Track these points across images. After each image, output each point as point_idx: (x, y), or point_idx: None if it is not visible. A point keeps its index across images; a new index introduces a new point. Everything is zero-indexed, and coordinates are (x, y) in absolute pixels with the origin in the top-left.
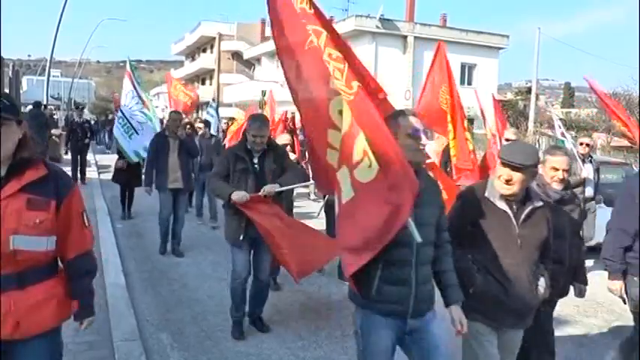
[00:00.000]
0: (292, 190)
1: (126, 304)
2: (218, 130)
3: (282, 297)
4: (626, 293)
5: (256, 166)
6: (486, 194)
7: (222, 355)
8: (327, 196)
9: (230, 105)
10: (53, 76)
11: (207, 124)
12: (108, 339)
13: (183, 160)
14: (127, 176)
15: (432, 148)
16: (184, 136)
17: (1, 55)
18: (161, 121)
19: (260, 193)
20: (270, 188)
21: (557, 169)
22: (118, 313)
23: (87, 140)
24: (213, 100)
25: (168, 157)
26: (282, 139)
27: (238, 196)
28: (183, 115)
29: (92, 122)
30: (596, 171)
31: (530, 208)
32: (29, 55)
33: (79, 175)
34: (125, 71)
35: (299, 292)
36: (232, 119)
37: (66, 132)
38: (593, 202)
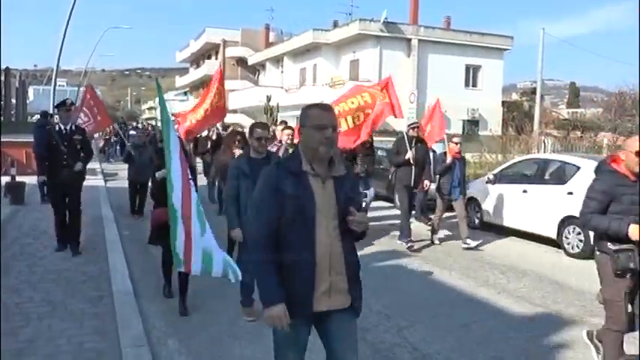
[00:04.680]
0: None
1: (133, 310)
2: None
3: None
4: None
5: None
6: None
7: None
8: None
9: (235, 111)
10: (59, 86)
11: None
12: (116, 345)
13: None
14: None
15: None
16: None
17: (6, 65)
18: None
19: None
20: None
21: None
22: (125, 319)
23: (79, 165)
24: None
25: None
26: None
27: None
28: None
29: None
30: None
31: None
32: (35, 65)
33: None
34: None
35: None
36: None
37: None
38: None
